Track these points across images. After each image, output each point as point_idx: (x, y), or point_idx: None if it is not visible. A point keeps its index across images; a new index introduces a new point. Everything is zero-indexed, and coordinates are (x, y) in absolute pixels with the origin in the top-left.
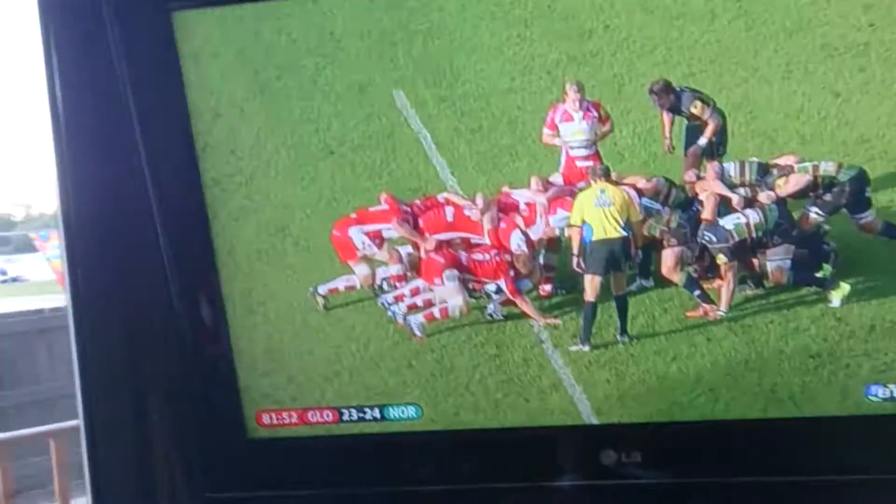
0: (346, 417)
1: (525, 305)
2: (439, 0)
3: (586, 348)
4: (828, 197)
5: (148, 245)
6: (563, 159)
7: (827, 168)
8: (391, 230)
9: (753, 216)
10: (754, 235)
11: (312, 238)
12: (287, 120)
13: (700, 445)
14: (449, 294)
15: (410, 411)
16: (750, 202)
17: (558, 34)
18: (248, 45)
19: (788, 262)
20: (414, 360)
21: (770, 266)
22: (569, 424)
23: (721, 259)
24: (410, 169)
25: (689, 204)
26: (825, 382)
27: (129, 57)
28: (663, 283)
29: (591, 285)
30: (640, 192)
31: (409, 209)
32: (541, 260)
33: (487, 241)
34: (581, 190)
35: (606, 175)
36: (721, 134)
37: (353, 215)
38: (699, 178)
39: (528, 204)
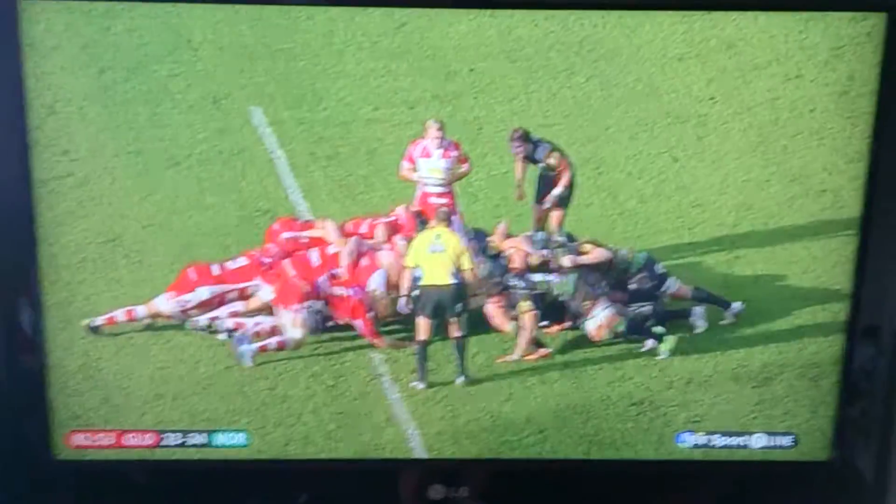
0: (167, 442)
1: (383, 343)
2: (306, 22)
3: (422, 386)
4: (633, 285)
5: None
6: (417, 194)
7: (622, 254)
8: (258, 286)
9: (555, 280)
10: (554, 295)
11: (146, 252)
12: (131, 125)
13: (525, 483)
14: (293, 324)
15: (239, 438)
16: (552, 266)
17: (424, 71)
18: (95, 41)
19: (612, 310)
20: (245, 387)
21: (599, 319)
22: (399, 458)
23: (525, 306)
24: (261, 189)
25: (496, 256)
26: (644, 429)
27: None
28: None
29: (423, 326)
30: None
31: (270, 256)
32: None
33: (345, 273)
34: (419, 232)
35: (447, 219)
36: (570, 186)
37: (217, 272)
38: (508, 236)
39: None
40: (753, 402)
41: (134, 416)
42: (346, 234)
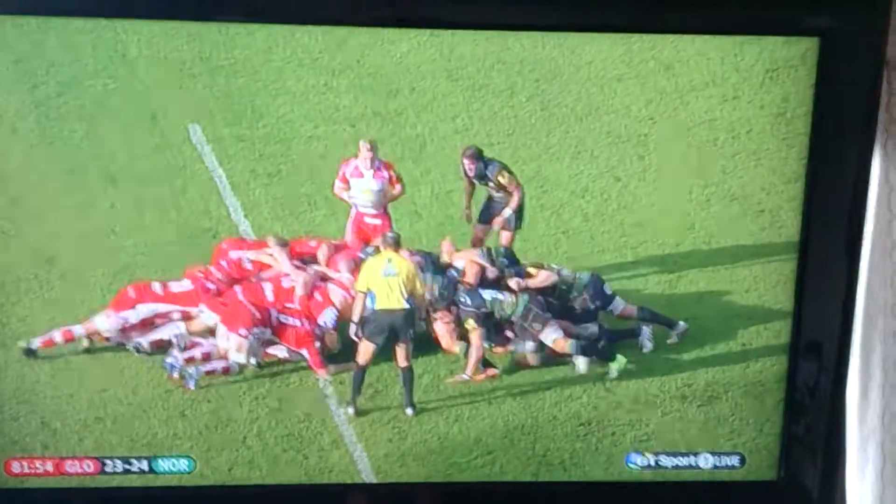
0: (109, 468)
1: (328, 372)
2: (245, 38)
3: (351, 411)
4: (577, 306)
5: None
6: (352, 214)
7: (565, 274)
8: (201, 311)
9: (508, 298)
10: (503, 314)
11: (84, 272)
12: (66, 141)
13: None
14: (237, 349)
15: (182, 464)
16: (504, 285)
17: (365, 88)
18: (27, 56)
19: (561, 332)
20: (188, 410)
21: (547, 342)
22: (347, 483)
23: (470, 324)
24: (202, 207)
25: (444, 270)
26: (593, 449)
27: None
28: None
29: (366, 352)
30: None
31: (214, 282)
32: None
33: (297, 305)
34: (369, 256)
35: (396, 244)
36: (520, 208)
37: (159, 290)
38: (457, 249)
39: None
40: (700, 420)
41: (73, 440)
42: (294, 255)
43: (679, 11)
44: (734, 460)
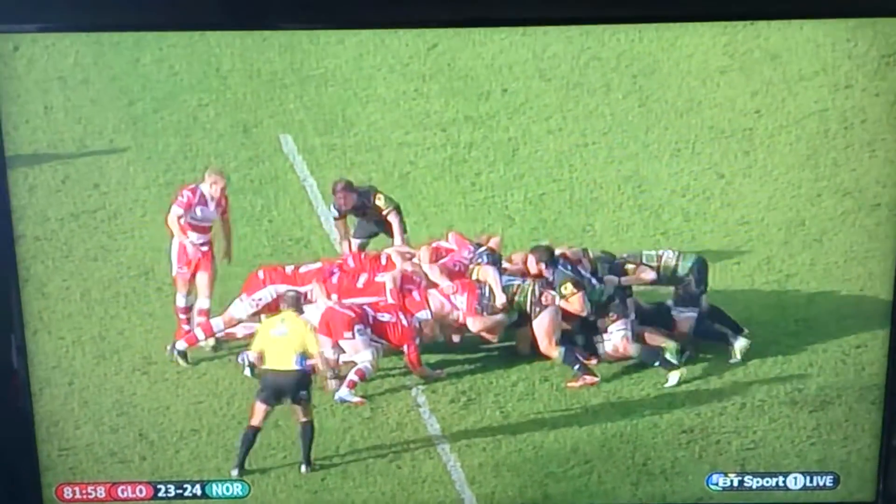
0: (161, 493)
1: (423, 371)
2: (335, 47)
3: (235, 473)
4: (681, 293)
5: None
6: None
7: (668, 258)
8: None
9: (597, 285)
10: (592, 297)
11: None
12: (162, 156)
13: None
14: (354, 350)
15: (236, 488)
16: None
17: (455, 92)
18: (124, 73)
19: (630, 334)
20: (281, 420)
21: (614, 338)
22: None
23: (567, 288)
24: (293, 218)
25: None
26: (696, 458)
27: None
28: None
29: (258, 411)
30: (503, 271)
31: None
32: None
33: (390, 299)
34: (479, 260)
35: (296, 304)
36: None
37: (289, 271)
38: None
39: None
40: (811, 426)
41: (170, 452)
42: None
43: None
44: (827, 480)
